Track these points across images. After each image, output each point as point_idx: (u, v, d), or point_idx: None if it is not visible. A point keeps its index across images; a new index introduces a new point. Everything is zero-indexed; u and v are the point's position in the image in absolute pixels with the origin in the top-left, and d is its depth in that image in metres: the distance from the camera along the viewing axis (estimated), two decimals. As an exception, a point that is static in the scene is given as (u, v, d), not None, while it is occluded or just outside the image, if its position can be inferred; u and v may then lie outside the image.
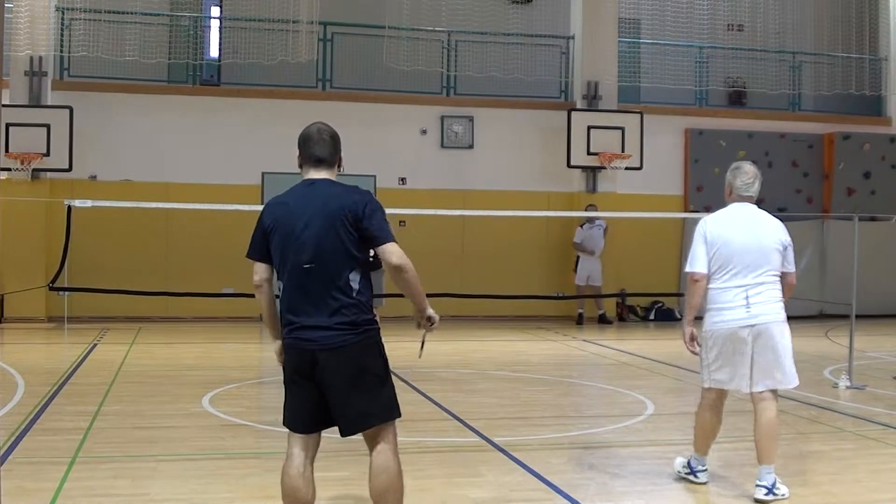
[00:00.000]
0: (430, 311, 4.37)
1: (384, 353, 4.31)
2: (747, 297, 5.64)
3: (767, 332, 5.65)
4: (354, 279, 4.18)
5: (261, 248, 4.44)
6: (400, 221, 14.26)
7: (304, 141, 4.44)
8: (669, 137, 18.00)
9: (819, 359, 12.01)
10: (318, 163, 4.38)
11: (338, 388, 4.19)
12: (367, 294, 4.23)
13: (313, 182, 4.36)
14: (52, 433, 7.19)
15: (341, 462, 6.41)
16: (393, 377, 4.42)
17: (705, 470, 6.02)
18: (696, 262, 5.82)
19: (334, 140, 4.42)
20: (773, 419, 5.70)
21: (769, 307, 5.68)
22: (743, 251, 5.69)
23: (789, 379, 5.77)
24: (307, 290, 4.20)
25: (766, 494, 5.58)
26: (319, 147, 4.38)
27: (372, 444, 4.28)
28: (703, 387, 6.02)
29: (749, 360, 5.68)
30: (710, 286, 5.79)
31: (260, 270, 4.46)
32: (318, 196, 4.26)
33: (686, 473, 6.03)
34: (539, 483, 5.93)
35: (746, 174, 5.85)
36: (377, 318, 4.33)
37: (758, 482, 5.63)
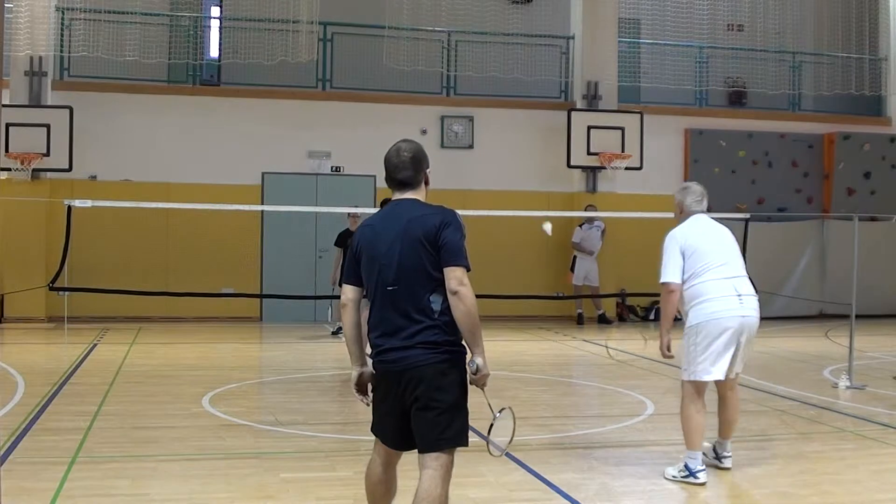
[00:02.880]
0: (479, 361, 4.18)
1: (464, 378, 4.21)
2: (736, 289, 6.05)
3: (753, 326, 6.09)
4: (436, 301, 4.12)
5: (353, 272, 4.35)
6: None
7: (386, 164, 4.40)
8: (669, 137, 18.00)
9: (819, 359, 12.01)
10: (401, 185, 4.36)
11: (417, 407, 4.16)
12: (450, 316, 4.12)
13: (398, 203, 4.34)
14: (52, 433, 7.19)
15: (341, 462, 6.42)
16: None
17: (704, 469, 6.00)
18: (671, 273, 6.12)
19: (415, 160, 4.37)
20: (737, 396, 6.38)
21: (754, 301, 6.13)
22: (717, 250, 6.15)
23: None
24: (389, 315, 4.17)
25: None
26: (400, 171, 4.34)
27: (424, 464, 4.18)
28: (689, 380, 6.08)
29: (733, 350, 6.05)
30: (697, 282, 6.05)
31: (347, 291, 4.35)
32: (402, 217, 4.24)
33: (684, 477, 5.99)
34: (539, 483, 5.93)
35: (695, 193, 6.43)
36: (461, 340, 4.19)
37: (726, 453, 6.23)
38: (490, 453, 4.49)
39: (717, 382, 6.16)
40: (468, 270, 4.13)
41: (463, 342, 4.15)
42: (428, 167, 4.42)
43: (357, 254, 4.33)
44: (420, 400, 4.13)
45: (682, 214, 6.39)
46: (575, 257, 16.83)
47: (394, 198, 4.38)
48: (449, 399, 4.15)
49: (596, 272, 16.74)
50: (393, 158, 4.37)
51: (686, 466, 6.00)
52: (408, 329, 4.10)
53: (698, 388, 6.06)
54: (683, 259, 6.07)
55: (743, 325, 6.01)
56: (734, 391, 6.27)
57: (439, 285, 4.11)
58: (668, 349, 6.16)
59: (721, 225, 6.40)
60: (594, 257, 16.77)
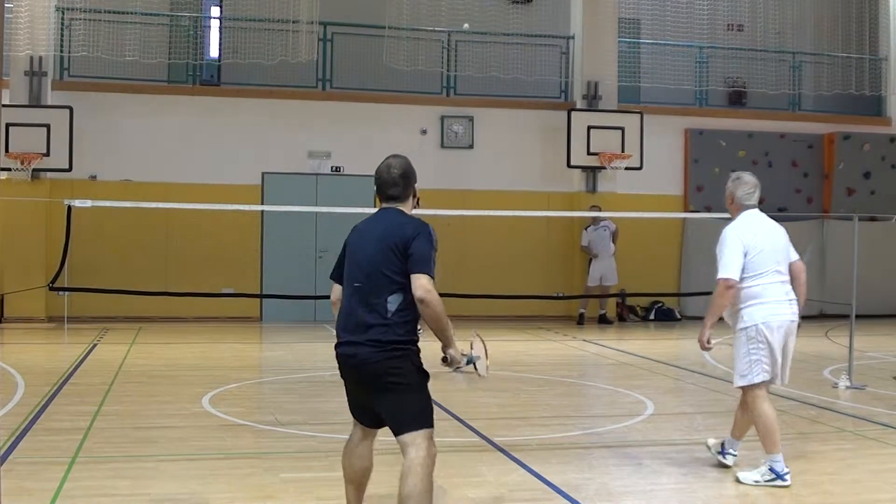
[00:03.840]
0: (452, 352, 4.63)
1: (413, 370, 4.53)
2: (787, 293, 6.08)
3: (796, 330, 6.11)
4: (393, 301, 4.46)
5: (338, 270, 4.81)
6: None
7: (377, 179, 4.77)
8: (669, 137, 18.00)
9: (819, 359, 12.01)
10: (389, 199, 4.75)
11: (374, 397, 4.56)
12: (405, 316, 4.48)
13: (384, 211, 4.75)
14: (52, 433, 7.19)
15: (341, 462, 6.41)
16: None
17: (789, 471, 5.92)
18: (732, 269, 6.01)
19: (404, 177, 4.73)
20: None
21: (797, 305, 6.14)
22: (773, 251, 6.09)
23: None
24: (352, 309, 4.57)
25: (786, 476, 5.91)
26: (390, 187, 4.72)
27: (404, 450, 4.50)
28: (753, 383, 6.01)
29: (782, 354, 6.06)
30: (753, 283, 6.00)
31: (334, 290, 4.82)
32: (384, 222, 4.64)
33: (769, 481, 5.87)
34: (539, 483, 5.93)
35: (747, 185, 6.25)
36: (414, 341, 4.55)
37: (733, 451, 6.29)
38: (480, 376, 5.14)
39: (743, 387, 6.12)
40: (432, 279, 4.44)
41: (412, 344, 4.52)
42: (416, 181, 4.80)
43: (344, 254, 4.79)
44: (375, 389, 4.51)
45: (734, 206, 6.25)
46: (590, 260, 16.82)
47: (382, 206, 4.79)
48: (401, 387, 4.48)
49: (614, 272, 16.71)
50: (384, 174, 4.74)
51: (771, 469, 5.90)
52: (363, 325, 4.49)
53: (758, 391, 6.01)
54: (745, 257, 5.98)
55: (790, 329, 6.03)
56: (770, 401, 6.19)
57: (400, 289, 4.46)
58: (709, 342, 6.06)
59: (774, 222, 6.29)
60: (610, 257, 16.73)
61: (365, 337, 4.47)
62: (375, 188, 4.77)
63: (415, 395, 4.52)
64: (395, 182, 4.70)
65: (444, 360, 4.77)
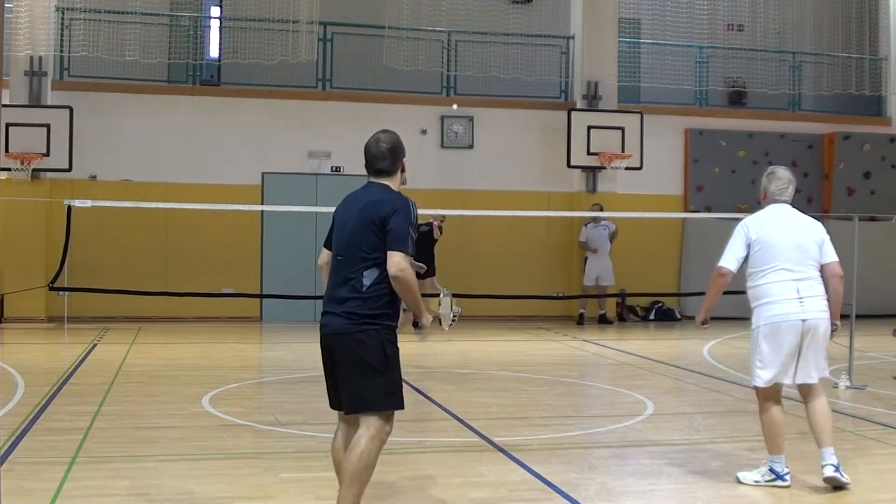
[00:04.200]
0: (423, 321, 4.80)
1: (387, 348, 4.61)
2: (798, 290, 5.88)
3: (817, 329, 5.93)
4: (368, 276, 4.56)
5: (329, 238, 4.92)
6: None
7: (365, 152, 4.81)
8: (669, 137, 18.00)
9: (819, 359, 11.99)
10: (378, 173, 4.79)
11: (340, 371, 4.65)
12: (379, 290, 4.57)
13: (369, 185, 4.81)
14: (52, 433, 7.19)
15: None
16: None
17: (789, 472, 5.88)
18: (728, 258, 5.98)
19: (392, 151, 4.76)
20: (826, 403, 6.08)
21: (819, 303, 5.94)
22: (786, 247, 5.94)
23: (823, 371, 6.16)
24: (334, 280, 4.71)
25: (835, 471, 5.69)
26: (378, 161, 4.76)
27: (356, 426, 4.62)
28: (759, 385, 5.98)
29: (796, 354, 5.92)
30: (759, 282, 5.93)
31: (322, 255, 4.94)
32: (366, 197, 4.72)
33: (769, 481, 5.84)
34: (539, 483, 5.93)
35: (780, 180, 6.14)
36: (388, 315, 4.63)
37: (824, 462, 5.77)
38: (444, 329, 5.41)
39: (799, 389, 6.07)
40: (408, 255, 4.53)
41: (386, 319, 4.61)
42: (404, 156, 4.82)
43: (332, 224, 4.90)
44: (344, 365, 4.61)
45: (766, 202, 6.16)
46: (586, 258, 16.82)
47: (369, 180, 4.83)
48: (368, 367, 4.55)
49: (610, 272, 16.70)
50: (372, 148, 4.77)
51: (771, 470, 5.86)
52: (341, 297, 4.60)
53: (767, 392, 5.96)
54: (749, 251, 5.92)
55: (805, 328, 5.86)
56: (815, 398, 6.08)
57: (375, 264, 4.55)
58: (704, 323, 6.15)
59: (805, 217, 6.16)
60: (606, 257, 16.73)
61: (341, 309, 4.59)
62: (365, 162, 4.81)
63: (378, 377, 4.57)
64: (382, 156, 4.74)
65: (416, 324, 4.96)
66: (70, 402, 8.49)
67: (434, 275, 13.93)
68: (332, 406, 4.83)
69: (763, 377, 5.94)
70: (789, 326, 5.85)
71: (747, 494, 5.79)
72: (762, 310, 5.92)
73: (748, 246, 5.95)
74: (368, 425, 4.56)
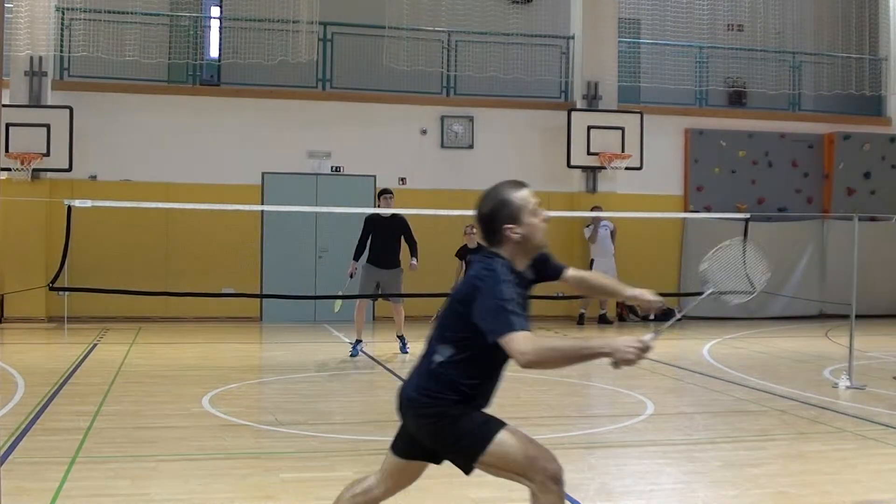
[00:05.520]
0: (608, 351, 3.62)
1: (444, 423, 3.87)
2: None
3: None
4: (442, 352, 3.83)
5: None
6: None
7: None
8: (669, 137, 18.00)
9: (819, 359, 12.00)
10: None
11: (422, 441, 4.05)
12: (451, 372, 3.81)
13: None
14: (52, 433, 7.19)
15: (341, 462, 6.42)
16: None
17: None
18: None
19: (485, 220, 3.90)
20: None
21: None
22: None
23: None
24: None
25: None
26: (477, 223, 3.97)
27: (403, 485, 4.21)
28: None
29: None
30: None
31: None
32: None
33: None
34: (539, 483, 5.92)
35: None
36: (452, 396, 3.87)
37: None
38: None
39: None
40: (520, 330, 3.54)
41: (452, 398, 3.84)
42: (511, 222, 3.84)
43: None
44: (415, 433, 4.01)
45: None
46: (592, 260, 16.82)
47: None
48: (438, 431, 3.92)
49: (614, 272, 16.71)
50: (477, 205, 4.00)
51: None
52: (419, 364, 3.96)
53: None
54: None
55: None
56: None
57: (447, 341, 3.83)
58: None
59: None
60: (611, 257, 16.73)
61: (412, 376, 3.96)
62: None
63: (455, 428, 3.89)
64: (480, 225, 3.94)
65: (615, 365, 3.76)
66: (70, 402, 8.49)
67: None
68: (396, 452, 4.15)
69: None
70: None
71: (748, 494, 5.79)
72: None
73: None
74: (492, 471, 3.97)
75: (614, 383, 10.14)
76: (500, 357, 3.74)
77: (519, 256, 3.88)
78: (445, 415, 3.86)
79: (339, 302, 12.25)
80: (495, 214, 3.87)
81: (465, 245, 14.13)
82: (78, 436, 7.02)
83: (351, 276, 12.02)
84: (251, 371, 11.35)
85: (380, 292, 12.16)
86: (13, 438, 6.86)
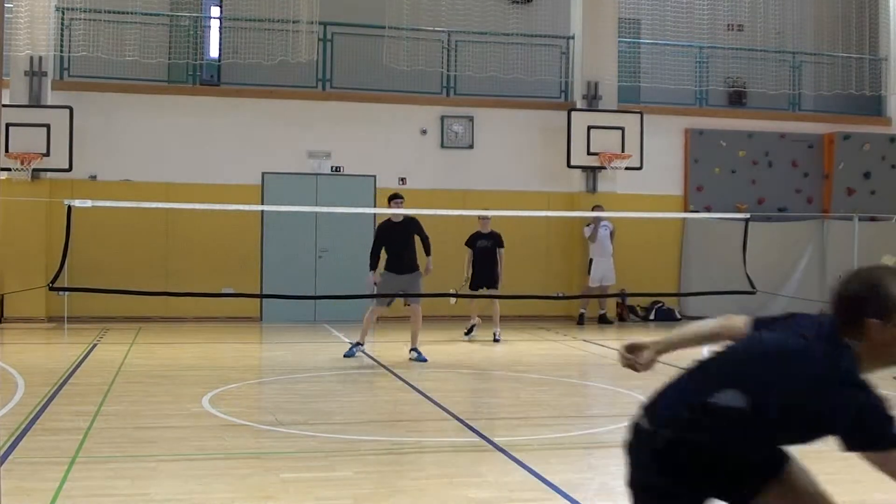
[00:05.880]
0: None
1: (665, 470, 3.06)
2: None
3: None
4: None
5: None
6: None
7: None
8: (669, 137, 18.00)
9: (819, 359, 11.98)
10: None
11: None
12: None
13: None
14: (52, 433, 7.18)
15: (341, 462, 6.42)
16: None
17: None
18: None
19: (853, 299, 3.05)
20: None
21: None
22: None
23: None
24: None
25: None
26: (832, 305, 3.18)
27: None
28: None
29: None
30: None
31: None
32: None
33: None
34: (539, 483, 5.93)
35: None
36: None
37: None
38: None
39: None
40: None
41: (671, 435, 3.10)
42: (879, 317, 2.93)
43: None
44: None
45: None
46: (591, 260, 16.82)
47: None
48: None
49: (612, 272, 16.74)
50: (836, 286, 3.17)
51: None
52: None
53: None
54: None
55: None
56: None
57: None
58: None
59: None
60: (609, 257, 16.74)
61: None
62: None
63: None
64: (838, 298, 3.11)
65: None
66: (70, 402, 8.49)
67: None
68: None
69: None
70: None
71: (747, 494, 5.78)
72: None
73: None
74: None
75: (614, 383, 10.14)
76: None
77: (869, 362, 3.05)
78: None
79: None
80: (863, 302, 3.02)
81: (478, 231, 14.13)
82: (78, 436, 7.02)
83: (375, 285, 11.88)
84: (251, 371, 11.34)
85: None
86: (13, 438, 6.85)
